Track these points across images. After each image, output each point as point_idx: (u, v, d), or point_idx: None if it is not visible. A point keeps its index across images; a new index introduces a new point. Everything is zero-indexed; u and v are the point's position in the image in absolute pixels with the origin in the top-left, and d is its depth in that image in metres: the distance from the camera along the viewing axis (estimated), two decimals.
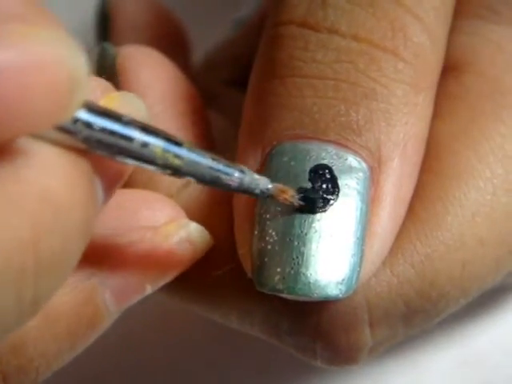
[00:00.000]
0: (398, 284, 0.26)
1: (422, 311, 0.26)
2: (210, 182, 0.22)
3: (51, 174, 0.19)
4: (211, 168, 0.22)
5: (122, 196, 0.26)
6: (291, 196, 0.24)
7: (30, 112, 0.17)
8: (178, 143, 0.22)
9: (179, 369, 0.37)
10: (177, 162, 0.21)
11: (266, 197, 0.24)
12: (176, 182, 0.28)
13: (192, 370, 0.37)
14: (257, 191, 0.24)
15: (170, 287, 0.27)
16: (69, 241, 0.20)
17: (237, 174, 0.23)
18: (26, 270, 0.19)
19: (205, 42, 0.37)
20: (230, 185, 0.23)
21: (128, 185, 0.28)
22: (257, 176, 0.23)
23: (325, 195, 0.25)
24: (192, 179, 0.22)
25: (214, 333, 0.37)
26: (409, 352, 0.36)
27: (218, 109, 0.32)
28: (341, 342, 0.26)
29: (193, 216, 0.26)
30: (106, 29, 0.34)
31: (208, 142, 0.29)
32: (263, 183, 0.24)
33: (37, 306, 0.20)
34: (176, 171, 0.22)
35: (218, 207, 0.27)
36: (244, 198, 0.26)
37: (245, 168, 0.23)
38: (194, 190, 0.28)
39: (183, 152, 0.22)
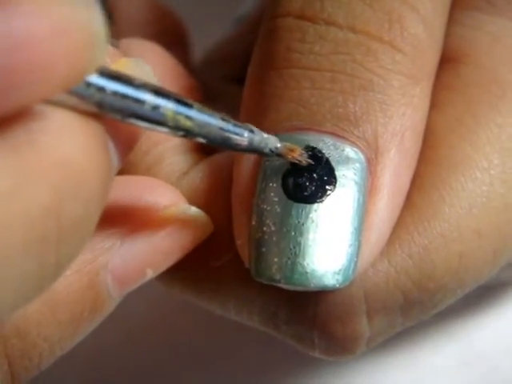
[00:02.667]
0: (395, 275, 0.26)
1: (420, 302, 0.26)
2: (221, 142, 0.23)
3: (68, 140, 0.19)
4: (221, 129, 0.23)
5: (123, 181, 0.26)
6: (299, 154, 0.25)
7: (51, 77, 0.17)
8: (188, 105, 0.22)
9: (180, 369, 0.37)
10: (188, 123, 0.22)
11: (275, 155, 0.24)
12: (175, 171, 0.28)
13: (193, 370, 0.37)
14: (266, 150, 0.24)
15: (170, 277, 0.27)
16: (88, 206, 0.20)
17: (246, 134, 0.23)
18: (49, 237, 0.19)
19: (205, 39, 0.37)
20: (240, 144, 0.23)
21: (128, 172, 0.28)
22: (266, 135, 0.24)
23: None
24: (203, 140, 0.22)
25: (215, 333, 0.37)
26: (409, 351, 0.37)
27: (219, 104, 0.32)
28: (338, 332, 0.26)
29: (192, 204, 0.27)
30: (106, 25, 0.34)
31: None
32: (272, 142, 0.24)
33: (58, 273, 0.20)
34: (187, 133, 0.22)
35: (217, 196, 0.27)
36: (242, 188, 0.26)
37: (254, 127, 0.24)
38: (193, 179, 0.28)
39: (194, 113, 0.22)
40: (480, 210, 0.26)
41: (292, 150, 0.24)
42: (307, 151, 0.25)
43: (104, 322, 0.26)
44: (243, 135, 0.23)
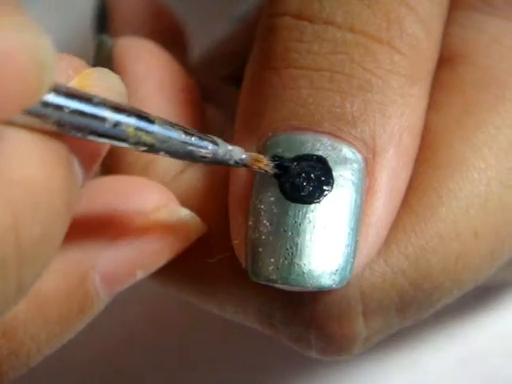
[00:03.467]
0: (392, 275, 0.26)
1: (416, 302, 0.26)
2: (185, 156, 0.23)
3: (27, 160, 0.19)
4: (184, 143, 0.22)
5: (113, 181, 0.26)
6: (265, 164, 0.25)
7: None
8: (149, 120, 0.22)
9: (178, 370, 0.37)
10: (149, 139, 0.22)
11: (241, 166, 0.24)
12: (171, 170, 0.28)
13: (191, 370, 0.37)
14: (231, 162, 0.24)
15: (167, 277, 0.27)
16: (50, 226, 0.20)
17: (210, 147, 0.23)
18: (8, 260, 0.19)
19: (203, 38, 0.37)
20: (204, 157, 0.23)
21: (124, 172, 0.28)
22: (230, 147, 0.24)
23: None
24: (166, 155, 0.22)
25: (213, 333, 0.37)
26: (409, 351, 0.36)
27: (216, 104, 0.32)
28: (334, 332, 0.26)
29: (188, 204, 0.27)
30: (103, 24, 0.34)
31: None
32: (237, 153, 0.24)
33: (22, 293, 0.20)
34: (150, 148, 0.22)
35: (214, 196, 0.27)
36: (239, 188, 0.26)
37: (218, 139, 0.23)
38: (189, 177, 0.28)
39: (155, 129, 0.22)
40: (477, 210, 0.26)
41: (258, 160, 0.24)
42: (274, 160, 0.25)
43: (102, 324, 0.26)
44: (207, 148, 0.23)
